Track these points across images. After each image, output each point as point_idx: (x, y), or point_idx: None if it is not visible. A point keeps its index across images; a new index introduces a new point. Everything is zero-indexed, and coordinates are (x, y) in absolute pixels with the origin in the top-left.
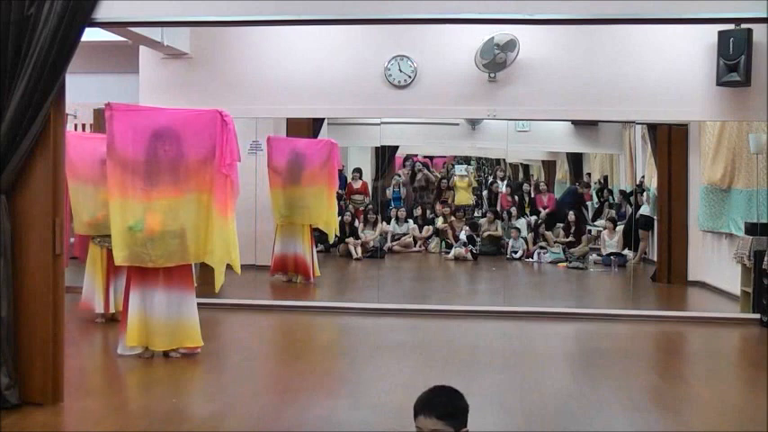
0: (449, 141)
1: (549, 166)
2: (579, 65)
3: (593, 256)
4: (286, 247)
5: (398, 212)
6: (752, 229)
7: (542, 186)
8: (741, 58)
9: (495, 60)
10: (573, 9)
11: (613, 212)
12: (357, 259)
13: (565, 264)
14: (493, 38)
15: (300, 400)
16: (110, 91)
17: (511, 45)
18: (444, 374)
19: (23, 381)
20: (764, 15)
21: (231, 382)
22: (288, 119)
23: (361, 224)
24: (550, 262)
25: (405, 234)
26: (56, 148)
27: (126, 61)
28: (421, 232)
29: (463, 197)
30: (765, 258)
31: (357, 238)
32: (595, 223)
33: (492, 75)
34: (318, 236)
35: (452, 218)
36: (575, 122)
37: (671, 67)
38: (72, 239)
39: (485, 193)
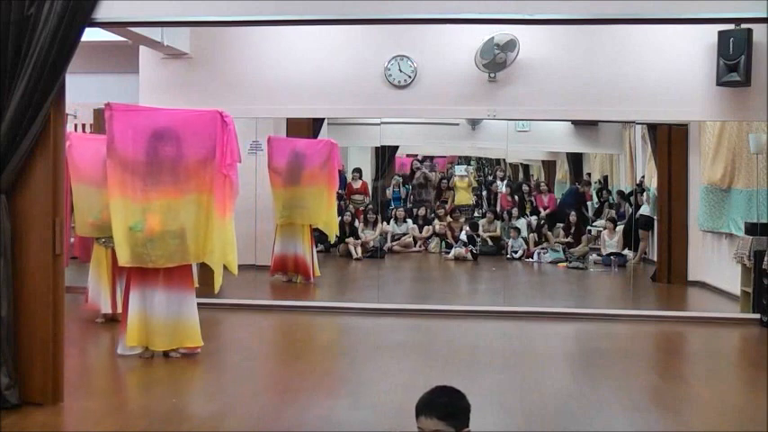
0: (449, 141)
1: (549, 166)
2: (579, 65)
3: (593, 256)
4: (286, 247)
5: (397, 212)
6: (752, 229)
7: (542, 186)
8: (741, 58)
9: (495, 60)
10: (573, 9)
11: (613, 212)
12: (357, 259)
13: (565, 264)
14: (493, 38)
15: (300, 400)
16: (110, 91)
17: (511, 45)
18: (444, 374)
19: (23, 381)
20: (764, 15)
21: (231, 382)
22: (288, 119)
23: (362, 224)
24: (550, 262)
25: (404, 234)
26: (56, 148)
27: (126, 61)
28: (421, 232)
29: (463, 197)
30: (765, 258)
31: (357, 238)
32: (595, 223)
33: (492, 75)
34: (318, 236)
35: (449, 218)
36: (575, 122)
37: (671, 67)
38: (72, 239)
39: (485, 193)
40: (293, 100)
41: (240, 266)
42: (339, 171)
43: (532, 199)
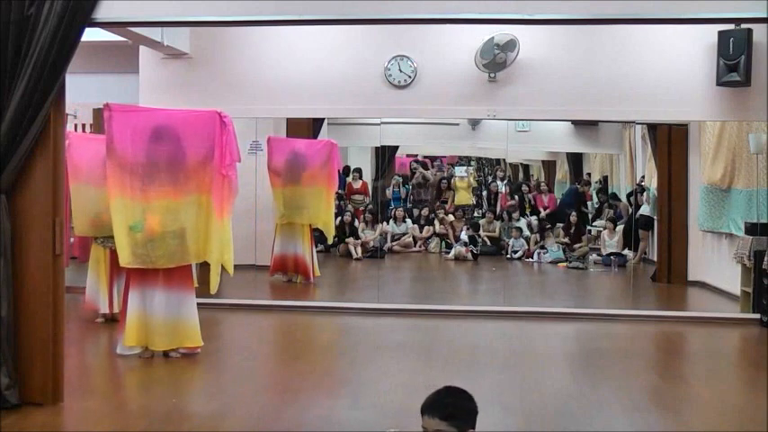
0: (449, 141)
1: (549, 166)
2: (579, 65)
3: (593, 256)
4: (286, 247)
5: (396, 212)
6: (752, 229)
7: (543, 186)
8: (741, 58)
9: (495, 60)
10: (573, 9)
11: (613, 212)
12: (357, 259)
13: (565, 264)
14: (493, 38)
15: (300, 400)
16: (110, 91)
17: (511, 45)
18: (444, 374)
19: (23, 381)
20: (764, 15)
21: (231, 382)
22: (288, 119)
23: (362, 224)
24: (550, 262)
25: (404, 234)
26: (56, 148)
27: (126, 61)
28: (421, 232)
29: (463, 197)
30: (765, 258)
31: (357, 238)
32: (595, 223)
33: (492, 75)
34: (318, 236)
35: (452, 217)
36: (575, 122)
37: (671, 67)
38: (72, 239)
39: (485, 193)
40: (293, 100)
41: (240, 266)
42: (339, 171)
43: (531, 198)
